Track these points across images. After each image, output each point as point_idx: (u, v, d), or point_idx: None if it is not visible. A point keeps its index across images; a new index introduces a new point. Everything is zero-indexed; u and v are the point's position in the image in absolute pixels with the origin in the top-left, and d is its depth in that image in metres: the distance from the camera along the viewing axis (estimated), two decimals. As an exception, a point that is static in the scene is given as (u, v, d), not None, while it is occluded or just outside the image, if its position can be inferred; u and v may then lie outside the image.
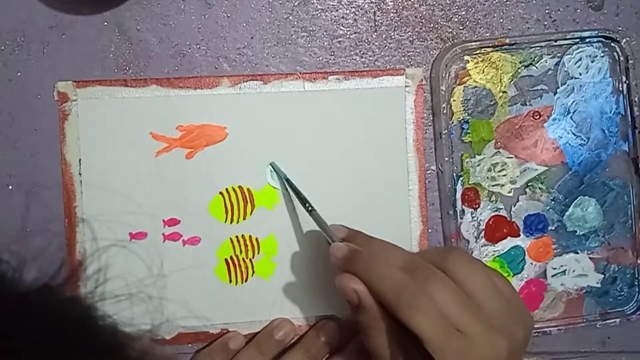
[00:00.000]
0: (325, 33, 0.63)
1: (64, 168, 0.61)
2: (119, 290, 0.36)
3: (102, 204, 0.61)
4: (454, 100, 0.65)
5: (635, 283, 0.68)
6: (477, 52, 0.65)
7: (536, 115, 0.66)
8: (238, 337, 0.62)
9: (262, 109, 0.63)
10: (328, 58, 0.64)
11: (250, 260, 0.63)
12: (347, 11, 0.64)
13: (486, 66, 0.65)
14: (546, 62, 0.66)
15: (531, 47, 0.65)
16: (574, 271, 0.67)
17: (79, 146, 0.61)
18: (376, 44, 0.64)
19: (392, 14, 0.64)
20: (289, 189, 0.62)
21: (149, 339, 0.36)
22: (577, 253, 0.67)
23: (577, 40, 0.65)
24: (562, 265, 0.67)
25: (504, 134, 0.66)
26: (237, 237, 0.63)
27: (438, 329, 0.46)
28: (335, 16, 0.63)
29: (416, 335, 0.46)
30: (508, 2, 0.65)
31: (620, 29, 0.66)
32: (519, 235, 0.67)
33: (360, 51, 0.64)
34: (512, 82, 0.65)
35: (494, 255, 0.66)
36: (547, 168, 0.66)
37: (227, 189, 0.63)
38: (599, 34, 0.65)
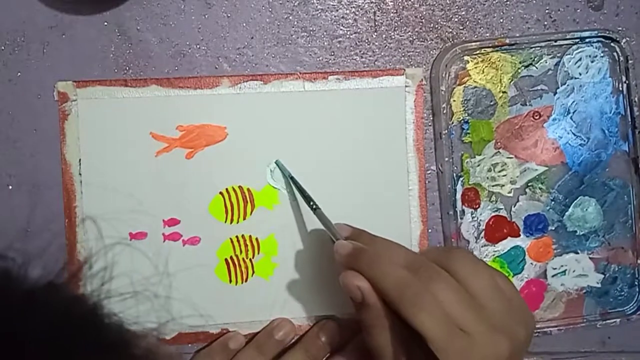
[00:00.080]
0: (325, 33, 0.63)
1: (64, 168, 0.61)
2: (124, 288, 0.36)
3: (102, 204, 0.61)
4: (454, 101, 0.65)
5: (636, 283, 0.68)
6: (477, 52, 0.65)
7: (536, 116, 0.66)
8: (238, 337, 0.62)
9: (262, 109, 0.63)
10: (328, 58, 0.64)
11: (250, 260, 0.63)
12: (347, 11, 0.64)
13: (486, 66, 0.65)
14: (546, 62, 0.66)
15: (531, 47, 0.65)
16: (574, 271, 0.67)
17: (79, 146, 0.61)
18: (376, 44, 0.64)
19: (392, 14, 0.64)
20: (293, 187, 0.62)
21: (155, 337, 0.36)
22: (577, 253, 0.67)
23: (577, 40, 0.65)
24: (562, 266, 0.67)
25: (504, 134, 0.66)
26: (237, 237, 0.63)
27: (441, 328, 0.46)
28: (335, 16, 0.64)
29: (419, 334, 0.46)
30: (508, 2, 0.65)
31: (620, 29, 0.66)
32: (519, 236, 0.67)
33: (360, 51, 0.64)
34: (512, 82, 0.65)
35: (494, 255, 0.66)
36: (547, 168, 0.66)
37: (227, 189, 0.63)
38: (599, 34, 0.65)
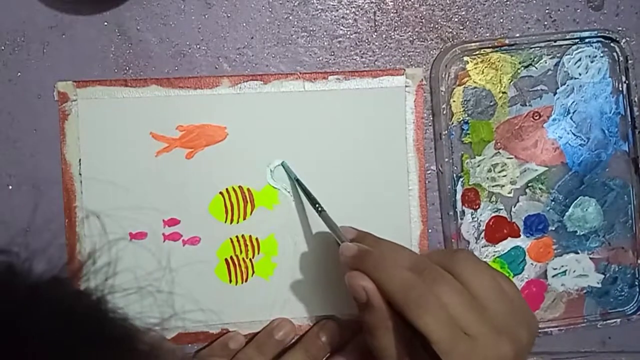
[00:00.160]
0: (325, 33, 0.64)
1: (64, 168, 0.61)
2: (128, 283, 0.36)
3: (102, 204, 0.61)
4: (454, 101, 0.65)
5: (636, 283, 0.68)
6: (477, 52, 0.65)
7: (536, 116, 0.66)
8: (238, 337, 0.62)
9: (262, 109, 0.63)
10: (328, 58, 0.64)
11: (250, 260, 0.63)
12: (347, 11, 0.64)
13: (486, 67, 0.65)
14: (546, 63, 0.66)
15: (531, 48, 0.65)
16: (574, 271, 0.67)
17: (79, 146, 0.61)
18: (376, 44, 0.64)
19: (392, 14, 0.64)
20: (299, 189, 0.62)
21: (158, 332, 0.36)
22: (578, 253, 0.67)
23: (577, 40, 0.65)
24: (562, 266, 0.67)
25: (503, 134, 0.66)
26: (237, 237, 0.63)
27: (446, 331, 0.46)
28: (335, 16, 0.64)
29: (423, 336, 0.46)
30: (508, 2, 0.65)
31: (620, 29, 0.66)
32: (519, 236, 0.67)
33: (360, 51, 0.64)
34: (511, 83, 0.65)
35: (494, 255, 0.66)
36: (547, 168, 0.66)
37: (227, 189, 0.63)
38: (599, 34, 0.65)
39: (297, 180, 0.62)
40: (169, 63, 0.62)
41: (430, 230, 0.65)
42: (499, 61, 0.65)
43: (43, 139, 0.61)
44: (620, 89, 0.66)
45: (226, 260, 0.63)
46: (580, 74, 0.66)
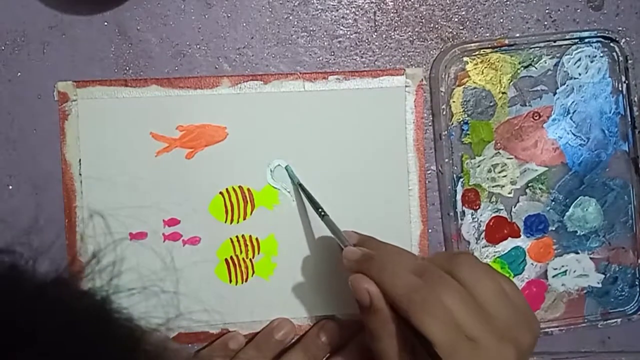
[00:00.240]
0: (325, 33, 0.64)
1: (64, 168, 0.61)
2: (132, 283, 0.36)
3: (103, 204, 0.61)
4: (454, 102, 0.65)
5: (636, 283, 0.68)
6: (476, 53, 0.65)
7: (536, 116, 0.66)
8: (238, 337, 0.62)
9: (262, 109, 0.63)
10: (328, 58, 0.64)
11: (250, 260, 0.63)
12: (347, 11, 0.64)
13: (485, 67, 0.65)
14: (545, 63, 0.66)
15: (530, 48, 0.65)
16: (574, 271, 0.67)
17: (79, 146, 0.61)
18: (376, 44, 0.64)
19: (392, 14, 0.64)
20: (301, 194, 0.62)
21: (162, 333, 0.35)
22: (578, 253, 0.67)
23: (576, 40, 0.65)
24: (562, 266, 0.67)
25: (503, 134, 0.66)
26: (237, 237, 0.63)
27: (449, 334, 0.46)
28: (335, 16, 0.64)
29: (426, 339, 0.46)
30: (508, 2, 0.65)
31: (620, 29, 0.66)
32: (520, 236, 0.67)
33: (360, 51, 0.64)
34: (511, 83, 0.65)
35: (494, 256, 0.66)
36: (547, 169, 0.66)
37: (227, 189, 0.63)
38: (598, 34, 0.65)
39: (300, 185, 0.62)
40: (169, 63, 0.62)
41: (430, 231, 0.65)
42: (498, 61, 0.65)
43: (43, 139, 0.61)
44: (620, 88, 0.66)
45: (226, 260, 0.63)
46: (580, 74, 0.66)
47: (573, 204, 0.67)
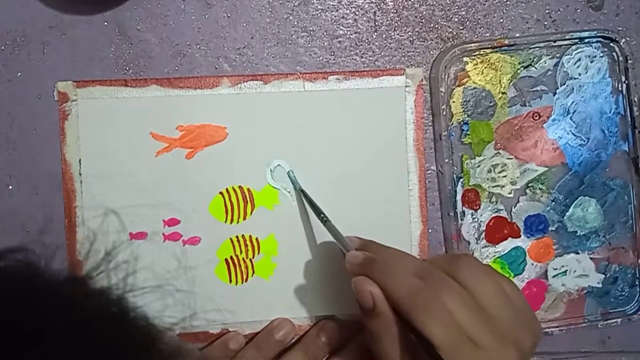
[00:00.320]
0: (325, 33, 0.64)
1: (64, 168, 0.61)
2: (145, 282, 0.36)
3: (103, 204, 0.61)
4: (454, 102, 0.65)
5: (636, 283, 0.68)
6: (476, 53, 0.65)
7: (536, 116, 0.66)
8: (238, 337, 0.62)
9: (262, 109, 0.63)
10: (328, 58, 0.64)
11: (250, 260, 0.63)
12: (347, 11, 0.64)
13: (485, 67, 0.65)
14: (545, 63, 0.66)
15: (530, 48, 0.65)
16: (574, 271, 0.67)
17: (79, 146, 0.61)
18: (376, 44, 0.64)
19: (392, 14, 0.64)
20: (304, 199, 0.62)
21: (175, 333, 0.35)
22: (578, 253, 0.67)
23: (576, 40, 0.65)
24: (563, 266, 0.67)
25: (503, 135, 0.66)
26: (237, 237, 0.63)
27: (452, 337, 0.46)
28: (335, 16, 0.64)
29: (428, 343, 0.46)
30: (508, 2, 0.65)
31: (620, 29, 0.66)
32: (520, 236, 0.67)
33: (360, 51, 0.64)
34: (511, 83, 0.65)
35: (494, 256, 0.66)
36: (547, 169, 0.66)
37: (227, 189, 0.63)
38: (598, 34, 0.65)
39: (302, 191, 0.62)
40: (169, 63, 0.62)
41: (430, 231, 0.65)
42: (498, 62, 0.65)
43: (43, 139, 0.61)
44: (620, 88, 0.66)
45: (226, 260, 0.63)
46: (579, 74, 0.66)
47: (573, 204, 0.67)
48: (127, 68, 0.62)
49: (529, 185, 0.66)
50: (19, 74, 0.60)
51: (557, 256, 0.67)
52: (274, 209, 0.63)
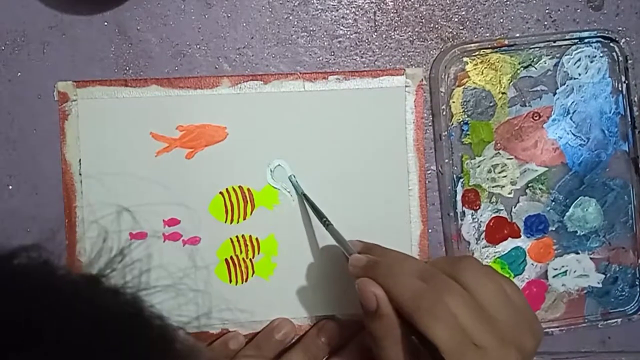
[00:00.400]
0: (325, 33, 0.64)
1: (64, 168, 0.61)
2: (157, 281, 0.36)
3: (103, 204, 0.61)
4: (454, 102, 0.65)
5: (637, 283, 0.68)
6: (476, 53, 0.65)
7: (536, 116, 0.66)
8: (238, 337, 0.62)
9: (262, 109, 0.63)
10: (328, 58, 0.64)
11: (250, 260, 0.63)
12: (347, 11, 0.64)
13: (485, 67, 0.65)
14: (545, 63, 0.66)
15: (530, 48, 0.65)
16: (575, 271, 0.67)
17: (79, 146, 0.61)
18: (376, 44, 0.64)
19: (392, 14, 0.64)
20: (306, 204, 0.62)
21: (187, 332, 0.35)
22: (578, 253, 0.67)
23: (576, 40, 0.65)
24: (563, 266, 0.67)
25: (503, 135, 0.66)
26: (237, 237, 0.63)
27: (455, 340, 0.46)
28: (335, 16, 0.64)
29: (431, 345, 0.46)
30: (508, 2, 0.65)
31: (620, 29, 0.66)
32: (520, 236, 0.67)
33: (360, 51, 0.64)
34: (511, 83, 0.65)
35: (494, 256, 0.66)
36: (547, 169, 0.66)
37: (227, 189, 0.63)
38: (598, 34, 0.65)
39: (304, 195, 0.62)
40: (169, 63, 0.62)
41: (430, 231, 0.65)
42: (498, 62, 0.65)
43: (43, 139, 0.61)
44: (620, 88, 0.66)
45: (226, 260, 0.63)
46: (579, 74, 0.66)
47: (573, 204, 0.67)
48: (127, 68, 0.62)
49: (529, 185, 0.66)
50: (19, 74, 0.60)
51: (557, 256, 0.67)
52: (274, 209, 0.63)
